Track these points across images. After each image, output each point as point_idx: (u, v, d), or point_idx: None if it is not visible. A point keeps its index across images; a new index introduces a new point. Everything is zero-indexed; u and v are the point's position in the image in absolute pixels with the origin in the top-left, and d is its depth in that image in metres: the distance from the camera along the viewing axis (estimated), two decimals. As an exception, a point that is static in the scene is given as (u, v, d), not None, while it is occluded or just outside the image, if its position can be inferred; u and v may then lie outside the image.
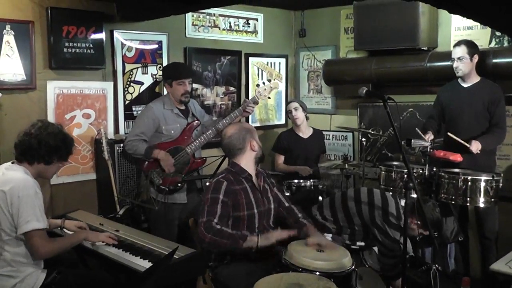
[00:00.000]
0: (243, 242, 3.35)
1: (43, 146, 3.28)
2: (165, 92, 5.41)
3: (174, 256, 3.17)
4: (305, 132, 5.88)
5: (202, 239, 3.36)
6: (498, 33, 5.15)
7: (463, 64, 4.66)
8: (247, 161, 3.67)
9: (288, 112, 5.92)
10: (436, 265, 4.52)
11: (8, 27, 4.43)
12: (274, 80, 6.53)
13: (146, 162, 4.65)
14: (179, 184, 4.71)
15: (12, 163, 3.38)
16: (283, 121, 6.99)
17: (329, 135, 6.67)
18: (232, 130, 3.70)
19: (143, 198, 4.81)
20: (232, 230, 3.43)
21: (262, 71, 6.73)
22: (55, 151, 3.34)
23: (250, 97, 5.35)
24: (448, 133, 4.56)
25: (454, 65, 4.71)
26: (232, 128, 3.74)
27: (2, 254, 3.20)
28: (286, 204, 3.86)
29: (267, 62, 6.79)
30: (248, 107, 4.85)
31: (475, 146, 4.47)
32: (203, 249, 3.58)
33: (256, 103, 4.95)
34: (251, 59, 6.55)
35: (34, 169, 3.34)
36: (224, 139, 3.71)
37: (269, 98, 6.07)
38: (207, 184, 4.56)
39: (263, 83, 6.60)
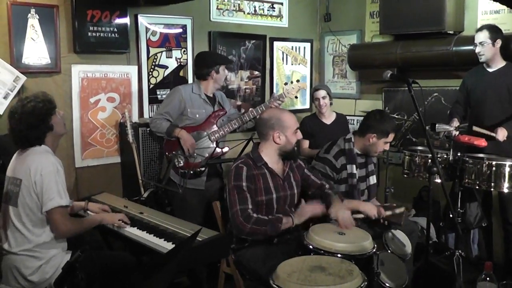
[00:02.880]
0: (281, 224, 3.41)
1: (33, 126, 3.26)
2: (190, 76, 5.46)
3: (198, 238, 3.18)
4: (328, 117, 5.81)
5: (241, 229, 3.40)
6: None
7: (485, 49, 4.61)
8: (268, 150, 3.64)
9: (314, 99, 5.79)
10: (459, 251, 4.51)
11: (32, 11, 4.46)
12: (298, 81, 6.35)
13: (169, 143, 4.70)
14: (201, 169, 4.77)
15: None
16: (307, 106, 6.97)
17: (353, 119, 6.63)
18: (265, 114, 3.73)
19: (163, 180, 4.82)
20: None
21: (286, 55, 6.71)
22: (43, 118, 3.29)
23: (277, 93, 5.35)
24: (474, 128, 4.49)
25: (477, 50, 4.67)
26: (268, 111, 3.78)
27: (27, 236, 3.24)
28: (318, 182, 3.88)
29: (292, 47, 6.76)
30: (274, 102, 4.93)
31: (501, 134, 4.43)
32: (228, 232, 3.63)
33: (282, 100, 5.00)
34: (275, 43, 6.53)
35: (49, 142, 3.35)
36: (257, 118, 3.77)
37: (296, 97, 6.16)
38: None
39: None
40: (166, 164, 4.76)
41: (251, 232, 3.38)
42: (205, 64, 4.82)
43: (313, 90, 5.82)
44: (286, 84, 6.57)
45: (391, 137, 4.12)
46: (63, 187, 3.26)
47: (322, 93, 5.67)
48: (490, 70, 4.71)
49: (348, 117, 6.43)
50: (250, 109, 4.94)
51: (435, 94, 5.72)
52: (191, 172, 4.69)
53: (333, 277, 2.77)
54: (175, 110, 4.73)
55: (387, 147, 4.18)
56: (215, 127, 4.82)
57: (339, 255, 3.15)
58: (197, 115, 4.77)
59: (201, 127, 4.77)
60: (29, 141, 3.29)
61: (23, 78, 4.40)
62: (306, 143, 5.85)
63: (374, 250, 3.29)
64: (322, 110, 5.71)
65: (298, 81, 6.49)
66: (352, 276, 2.79)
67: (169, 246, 3.29)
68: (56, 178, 3.23)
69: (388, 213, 3.91)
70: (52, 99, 3.40)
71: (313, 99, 5.83)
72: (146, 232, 3.50)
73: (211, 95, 4.89)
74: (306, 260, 3.01)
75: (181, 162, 4.67)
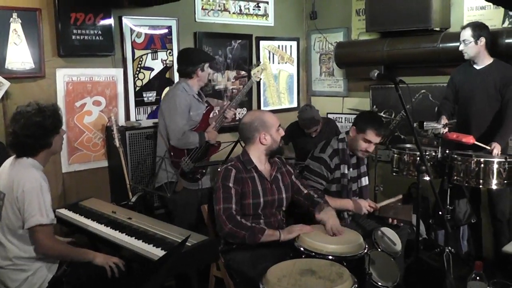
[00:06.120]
0: (261, 236, 3.39)
1: (35, 138, 3.21)
2: (176, 78, 5.42)
3: (187, 243, 3.15)
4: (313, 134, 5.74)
5: (222, 227, 3.42)
6: (511, 13, 5.08)
7: (467, 47, 4.63)
8: (256, 152, 3.66)
9: (305, 130, 5.67)
10: (449, 248, 4.53)
11: (15, 15, 4.40)
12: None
13: (176, 150, 4.68)
14: (204, 170, 4.83)
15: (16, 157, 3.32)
16: (295, 105, 6.96)
17: (341, 117, 6.64)
18: (246, 118, 3.71)
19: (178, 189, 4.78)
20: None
21: (273, 54, 6.69)
22: (47, 134, 3.25)
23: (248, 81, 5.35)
24: (475, 142, 4.44)
25: (460, 48, 4.69)
26: (248, 116, 3.74)
27: (12, 249, 3.19)
28: (305, 191, 3.85)
29: (278, 45, 6.74)
30: (227, 111, 4.96)
31: (496, 150, 4.40)
32: (217, 235, 3.61)
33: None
34: (262, 42, 6.51)
35: (41, 157, 3.29)
36: (240, 124, 3.74)
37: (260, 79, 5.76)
38: (219, 170, 4.61)
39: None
40: (176, 172, 4.74)
41: (230, 232, 3.39)
42: (190, 62, 4.78)
43: (302, 125, 5.66)
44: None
45: (370, 135, 4.07)
46: (46, 204, 3.16)
47: (313, 129, 5.60)
48: (477, 67, 4.72)
49: (335, 115, 6.45)
50: (227, 102, 5.04)
51: (423, 91, 5.72)
52: (197, 176, 4.79)
53: (323, 281, 2.76)
54: (187, 117, 4.70)
55: (369, 148, 4.13)
56: (208, 124, 4.85)
57: (330, 257, 3.15)
58: (198, 117, 4.80)
59: (200, 127, 4.79)
60: (24, 150, 3.23)
61: (6, 84, 4.34)
62: None
63: (365, 251, 3.29)
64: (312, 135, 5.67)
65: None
66: (342, 279, 2.78)
67: (158, 252, 3.26)
68: (39, 195, 3.13)
69: (381, 204, 4.10)
70: (60, 117, 3.35)
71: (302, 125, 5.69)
72: (135, 238, 3.47)
73: (197, 93, 4.87)
74: (296, 263, 3.00)
75: (190, 167, 4.69)
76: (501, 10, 5.12)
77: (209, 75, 4.95)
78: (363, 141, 4.10)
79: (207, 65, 4.83)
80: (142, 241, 3.41)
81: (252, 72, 5.15)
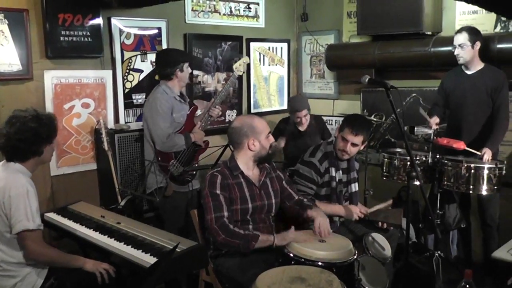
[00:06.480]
0: (255, 243, 3.36)
1: (27, 143, 3.20)
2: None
3: (177, 249, 3.11)
4: (304, 125, 5.71)
5: (215, 236, 3.41)
6: (503, 18, 5.09)
7: (464, 51, 4.60)
8: (244, 157, 3.63)
9: (295, 117, 5.54)
10: (439, 252, 4.54)
11: (1, 15, 4.34)
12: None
13: (163, 155, 4.62)
14: (194, 172, 4.80)
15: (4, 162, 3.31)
16: (285, 107, 6.93)
17: (332, 120, 6.62)
18: (236, 122, 3.68)
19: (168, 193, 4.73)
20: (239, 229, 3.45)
21: (263, 56, 6.66)
22: (40, 141, 3.25)
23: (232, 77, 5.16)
24: (466, 148, 4.47)
25: (456, 52, 4.65)
26: (238, 120, 3.71)
27: (1, 256, 3.17)
28: (296, 197, 3.84)
29: (269, 47, 6.72)
30: (212, 109, 4.88)
31: (487, 156, 4.42)
32: (207, 240, 3.58)
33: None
34: (252, 44, 6.48)
35: (30, 164, 3.28)
36: (229, 128, 3.71)
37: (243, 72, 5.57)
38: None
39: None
40: (165, 176, 4.66)
41: (224, 242, 3.39)
42: (168, 64, 4.70)
43: (293, 109, 5.56)
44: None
45: (345, 132, 4.05)
46: (32, 210, 3.14)
47: (304, 112, 5.50)
48: (468, 72, 4.71)
49: (326, 118, 6.41)
50: (212, 100, 5.01)
51: (414, 94, 5.72)
52: (188, 178, 4.73)
53: (313, 289, 2.74)
54: (171, 119, 4.64)
55: (345, 146, 4.07)
56: (194, 124, 4.80)
57: (320, 263, 3.13)
58: (182, 118, 4.74)
59: (186, 128, 4.74)
60: (14, 154, 3.22)
61: (-7, 86, 4.30)
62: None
63: (354, 257, 3.27)
64: (303, 126, 5.60)
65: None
66: (332, 286, 2.76)
67: (147, 257, 3.22)
68: (25, 200, 3.12)
69: (372, 210, 4.11)
70: (56, 127, 3.36)
71: (293, 114, 5.59)
72: (124, 244, 3.42)
73: (179, 94, 4.81)
74: (285, 270, 2.97)
75: (179, 170, 4.65)
76: (493, 15, 5.12)
77: (195, 76, 4.86)
78: (341, 140, 4.10)
79: (186, 65, 4.75)
80: (131, 247, 3.36)
81: (234, 67, 5.06)
